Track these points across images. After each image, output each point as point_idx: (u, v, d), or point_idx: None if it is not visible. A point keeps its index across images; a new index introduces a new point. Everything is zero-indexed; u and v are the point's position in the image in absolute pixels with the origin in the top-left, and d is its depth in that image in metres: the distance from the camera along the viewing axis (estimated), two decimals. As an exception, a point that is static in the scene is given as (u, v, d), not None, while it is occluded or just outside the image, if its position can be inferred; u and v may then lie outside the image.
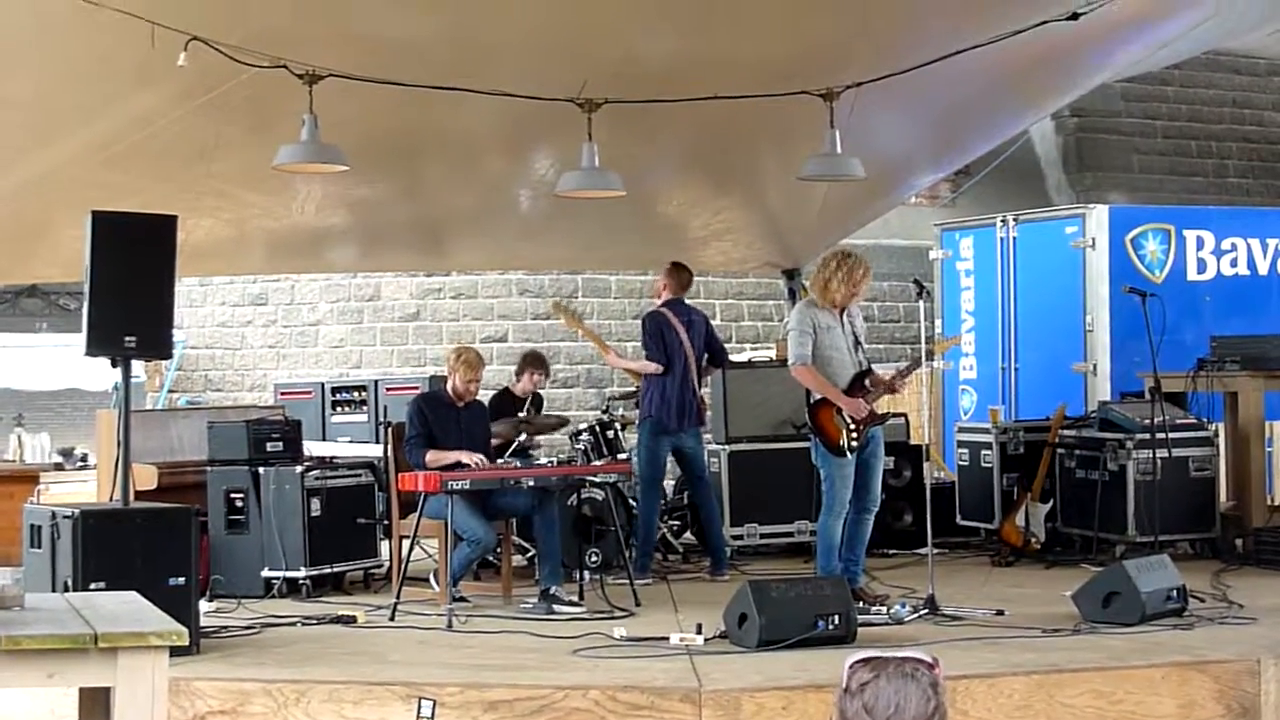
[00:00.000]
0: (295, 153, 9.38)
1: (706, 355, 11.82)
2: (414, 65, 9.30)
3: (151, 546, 8.51)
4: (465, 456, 10.20)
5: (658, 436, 11.53)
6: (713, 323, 12.51)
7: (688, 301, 11.93)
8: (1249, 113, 21.94)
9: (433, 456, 10.22)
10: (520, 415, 11.50)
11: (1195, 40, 13.98)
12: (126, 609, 5.48)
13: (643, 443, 11.60)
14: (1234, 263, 14.43)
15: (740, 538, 12.39)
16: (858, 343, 10.02)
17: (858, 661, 3.64)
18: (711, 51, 9.63)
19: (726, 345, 12.76)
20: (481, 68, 9.50)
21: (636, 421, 11.80)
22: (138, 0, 8.07)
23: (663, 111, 10.29)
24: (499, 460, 10.81)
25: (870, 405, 9.86)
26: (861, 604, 9.35)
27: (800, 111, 10.34)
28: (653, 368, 11.51)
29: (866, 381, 9.94)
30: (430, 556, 11.26)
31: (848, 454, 9.78)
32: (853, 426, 9.79)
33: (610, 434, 12.02)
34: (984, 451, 12.74)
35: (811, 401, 9.96)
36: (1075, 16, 9.48)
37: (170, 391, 18.56)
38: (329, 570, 10.93)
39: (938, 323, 14.94)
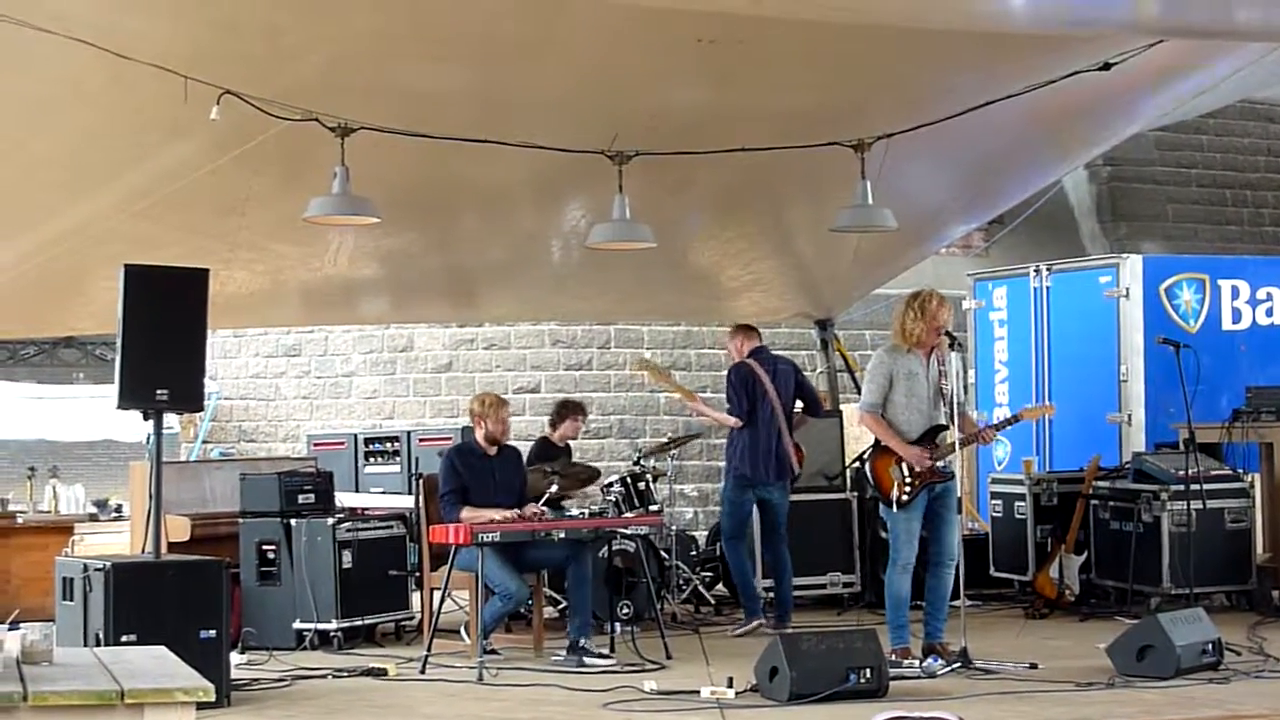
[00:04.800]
0: (327, 205, 9.44)
1: (801, 404, 11.79)
2: (445, 118, 9.35)
3: (183, 599, 8.54)
4: (499, 515, 10.17)
5: (742, 490, 11.57)
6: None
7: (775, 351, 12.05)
8: (1284, 161, 21.90)
9: (468, 514, 10.20)
10: (551, 467, 11.50)
11: (1229, 89, 13.97)
12: (155, 664, 5.47)
13: (725, 495, 11.72)
14: (1270, 312, 14.31)
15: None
16: (941, 394, 9.66)
17: (883, 721, 3.63)
18: (742, 103, 9.64)
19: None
20: (512, 120, 9.54)
21: (723, 470, 11.83)
22: (171, 54, 8.13)
23: (693, 163, 10.32)
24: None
25: (932, 460, 9.58)
26: (936, 660, 9.34)
27: (831, 162, 10.35)
28: (732, 421, 11.55)
29: (938, 438, 9.64)
30: (461, 609, 11.25)
31: (894, 507, 9.62)
32: (908, 479, 9.55)
33: (642, 485, 11.98)
34: (1018, 503, 12.68)
35: (872, 449, 9.88)
36: (1107, 66, 9.48)
37: (204, 442, 18.61)
38: (360, 622, 10.94)
39: (971, 373, 14.89)
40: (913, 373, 9.65)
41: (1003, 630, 11.18)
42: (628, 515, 11.43)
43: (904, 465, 9.57)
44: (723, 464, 17.22)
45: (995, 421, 10.63)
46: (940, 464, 9.62)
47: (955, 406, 9.62)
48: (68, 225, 10.17)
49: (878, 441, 9.74)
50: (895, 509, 9.60)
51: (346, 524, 10.97)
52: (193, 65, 8.19)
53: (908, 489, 9.56)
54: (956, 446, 9.48)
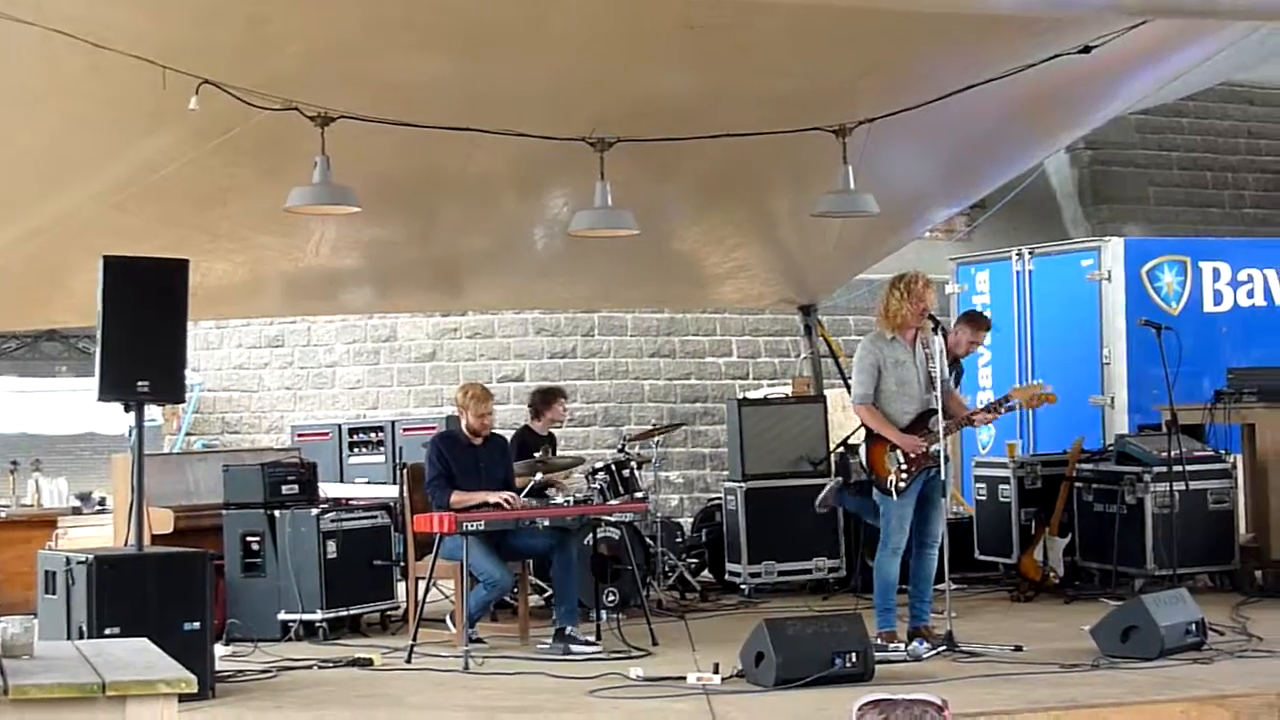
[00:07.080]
0: (307, 194, 9.40)
1: None
2: (426, 106, 9.32)
3: (166, 591, 8.52)
4: (493, 497, 10.16)
5: None
6: (735, 358, 12.46)
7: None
8: (1264, 143, 21.92)
9: (458, 498, 10.16)
10: (536, 456, 11.48)
11: (1209, 72, 13.97)
12: (137, 656, 5.44)
13: None
14: (1251, 294, 14.36)
15: (758, 575, 12.35)
16: (930, 379, 9.63)
17: (866, 704, 3.62)
18: (723, 89, 9.62)
19: (743, 381, 12.70)
20: (494, 108, 9.52)
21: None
22: (150, 44, 8.10)
23: (676, 150, 10.30)
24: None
25: (927, 446, 9.52)
26: (922, 643, 9.34)
27: (813, 148, 10.34)
28: None
29: (931, 421, 9.58)
30: (447, 598, 11.24)
31: (893, 494, 9.59)
32: (904, 466, 9.52)
33: (626, 473, 11.96)
34: (1002, 486, 12.68)
35: (867, 436, 9.83)
36: (1087, 50, 9.47)
37: (188, 434, 18.57)
38: (345, 613, 10.93)
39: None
40: (900, 360, 9.63)
41: (988, 613, 11.20)
42: (612, 502, 11.43)
43: (900, 451, 9.56)
44: (706, 451, 17.32)
45: (983, 405, 10.61)
46: (934, 449, 9.62)
47: (942, 388, 9.62)
48: (47, 218, 10.13)
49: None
50: (894, 495, 9.59)
51: (331, 514, 10.96)
52: (171, 55, 8.15)
53: (904, 475, 9.54)
54: (940, 433, 9.46)
